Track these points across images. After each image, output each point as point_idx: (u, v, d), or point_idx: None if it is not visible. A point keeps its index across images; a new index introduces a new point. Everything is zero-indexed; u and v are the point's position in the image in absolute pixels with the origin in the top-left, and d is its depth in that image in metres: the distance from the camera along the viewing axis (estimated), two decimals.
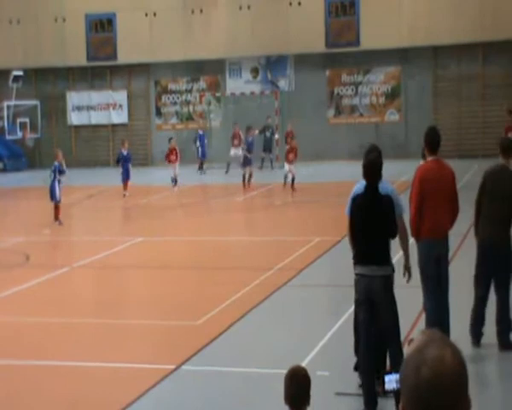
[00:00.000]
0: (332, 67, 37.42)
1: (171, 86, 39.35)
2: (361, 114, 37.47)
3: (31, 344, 10.93)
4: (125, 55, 38.79)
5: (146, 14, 38.32)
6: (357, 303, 8.12)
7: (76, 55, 39.14)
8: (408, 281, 8.50)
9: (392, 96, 37.08)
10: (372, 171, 8.02)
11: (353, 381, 8.57)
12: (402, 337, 8.21)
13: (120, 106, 39.77)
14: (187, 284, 14.41)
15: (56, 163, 21.68)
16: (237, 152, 33.54)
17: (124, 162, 27.29)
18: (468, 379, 2.13)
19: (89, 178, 33.28)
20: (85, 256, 17.08)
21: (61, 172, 21.70)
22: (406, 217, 8.54)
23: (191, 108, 39.24)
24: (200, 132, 35.68)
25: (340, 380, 8.73)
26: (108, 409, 8.46)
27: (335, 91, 37.61)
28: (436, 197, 9.20)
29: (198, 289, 13.78)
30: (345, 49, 36.70)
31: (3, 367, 10.08)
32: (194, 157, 35.85)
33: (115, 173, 28.52)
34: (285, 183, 26.98)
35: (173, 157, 28.00)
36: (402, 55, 36.36)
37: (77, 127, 40.29)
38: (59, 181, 21.47)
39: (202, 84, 38.96)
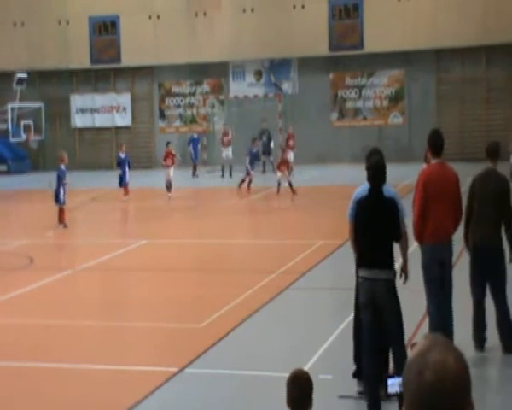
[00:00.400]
0: (335, 70, 37.43)
1: (175, 89, 39.38)
2: (364, 117, 37.47)
3: (34, 346, 10.93)
4: (128, 58, 38.84)
5: (150, 17, 38.37)
6: (361, 307, 8.11)
7: (80, 57, 39.19)
8: (404, 283, 8.48)
9: (395, 99, 37.08)
10: (377, 174, 8.03)
11: (356, 385, 8.57)
12: (405, 341, 8.20)
13: (124, 108, 39.81)
14: (190, 286, 14.41)
15: (62, 166, 21.68)
16: (228, 153, 33.57)
17: (122, 166, 27.18)
18: (470, 383, 2.13)
19: (92, 181, 33.29)
20: (89, 259, 17.09)
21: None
22: (408, 221, 8.53)
23: (195, 110, 39.27)
24: (194, 136, 35.65)
25: (343, 383, 8.73)
26: None
27: (339, 94, 37.62)
28: (440, 201, 9.19)
29: (201, 292, 13.77)
30: (348, 53, 36.72)
31: (7, 369, 10.09)
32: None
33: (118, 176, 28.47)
34: (279, 190, 26.81)
35: (169, 161, 27.62)
36: (405, 58, 36.37)
37: (80, 130, 40.34)
38: (64, 184, 21.41)
39: (206, 87, 38.99)
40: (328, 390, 8.45)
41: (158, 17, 38.26)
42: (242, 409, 8.60)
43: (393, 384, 4.43)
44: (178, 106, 39.38)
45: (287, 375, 5.02)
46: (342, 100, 37.65)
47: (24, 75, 38.24)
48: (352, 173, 24.94)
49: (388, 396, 7.28)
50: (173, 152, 28.25)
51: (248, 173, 28.31)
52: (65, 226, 21.18)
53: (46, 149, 39.84)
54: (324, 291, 13.93)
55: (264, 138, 33.61)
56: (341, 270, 14.28)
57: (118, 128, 39.93)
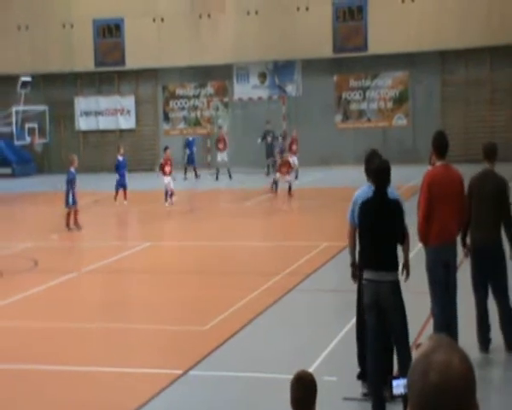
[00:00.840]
0: (340, 72, 37.42)
1: (179, 91, 39.41)
2: (369, 119, 37.45)
3: (38, 349, 10.94)
4: (132, 61, 38.87)
5: (154, 20, 38.40)
6: (365, 308, 8.11)
7: (84, 60, 39.23)
8: (406, 280, 8.47)
9: (399, 100, 37.06)
10: (382, 176, 8.05)
11: (361, 386, 8.56)
12: (410, 342, 8.19)
13: (128, 111, 39.84)
14: (194, 288, 14.40)
15: (72, 169, 21.75)
16: (223, 157, 33.53)
17: (119, 169, 26.44)
18: (475, 384, 2.12)
19: (96, 184, 33.32)
20: (93, 261, 17.11)
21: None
22: (409, 222, 8.51)
23: (199, 113, 39.28)
24: (190, 138, 35.57)
25: (348, 385, 8.72)
26: None
27: (343, 96, 37.61)
28: (444, 202, 9.18)
29: (205, 294, 13.77)
30: (352, 54, 36.70)
31: (11, 372, 10.09)
32: (200, 162, 35.89)
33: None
34: (276, 190, 26.77)
35: (168, 169, 25.64)
36: (410, 60, 36.34)
37: (85, 133, 40.38)
38: (73, 187, 21.52)
39: (210, 89, 39.01)
40: (333, 392, 8.44)
41: (162, 20, 38.29)
42: None
43: (398, 386, 4.42)
44: (183, 108, 39.40)
45: (291, 377, 5.02)
46: (346, 102, 37.65)
47: (28, 78, 38.29)
48: (356, 175, 24.87)
49: (393, 398, 7.28)
50: (171, 159, 26.42)
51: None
52: (79, 228, 21.25)
53: (51, 152, 39.90)
54: (329, 293, 13.92)
55: (269, 139, 33.55)
56: (346, 272, 14.22)
57: (122, 131, 39.96)
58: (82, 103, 40.16)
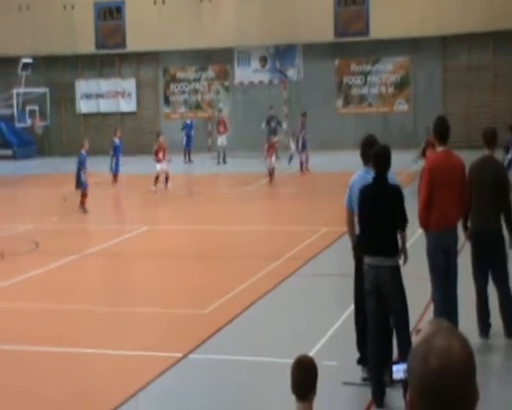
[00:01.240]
0: (341, 56, 37.30)
1: (180, 75, 39.31)
2: (370, 104, 37.36)
3: (38, 331, 10.97)
4: (133, 43, 38.75)
5: (155, 2, 38.25)
6: (366, 293, 8.12)
7: (85, 42, 39.11)
8: (404, 264, 8.47)
9: (401, 85, 36.96)
10: (383, 161, 8.03)
11: (360, 371, 8.58)
12: (410, 327, 8.21)
13: (129, 94, 39.75)
14: (195, 272, 14.43)
15: (83, 151, 22.05)
16: (223, 140, 33.47)
17: (116, 153, 26.91)
18: (475, 369, 2.13)
19: (97, 166, 33.27)
20: (94, 244, 17.14)
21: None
22: (409, 207, 8.51)
23: (200, 96, 39.19)
24: (188, 122, 35.47)
25: (348, 370, 8.74)
26: (115, 397, 8.50)
27: (344, 81, 37.51)
28: (445, 188, 9.17)
29: (206, 278, 13.79)
30: (354, 39, 36.57)
31: (10, 353, 10.12)
32: (201, 146, 35.86)
33: (122, 162, 28.43)
34: (271, 176, 26.72)
35: (161, 155, 25.51)
36: (411, 45, 36.21)
37: (86, 115, 40.31)
38: (84, 169, 21.78)
39: (211, 72, 38.90)
40: (333, 377, 8.47)
41: (163, 2, 38.13)
42: (246, 395, 8.62)
43: (398, 371, 4.44)
44: (183, 92, 39.31)
45: (291, 361, 5.03)
46: (347, 87, 37.55)
47: (29, 60, 38.18)
48: (356, 160, 24.87)
49: (393, 382, 7.31)
50: (165, 145, 26.10)
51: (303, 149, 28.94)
52: (85, 211, 21.29)
53: (51, 135, 39.84)
54: (329, 278, 13.94)
55: (273, 124, 33.39)
56: (346, 257, 14.25)
57: (123, 114, 39.88)
58: (83, 86, 40.07)
